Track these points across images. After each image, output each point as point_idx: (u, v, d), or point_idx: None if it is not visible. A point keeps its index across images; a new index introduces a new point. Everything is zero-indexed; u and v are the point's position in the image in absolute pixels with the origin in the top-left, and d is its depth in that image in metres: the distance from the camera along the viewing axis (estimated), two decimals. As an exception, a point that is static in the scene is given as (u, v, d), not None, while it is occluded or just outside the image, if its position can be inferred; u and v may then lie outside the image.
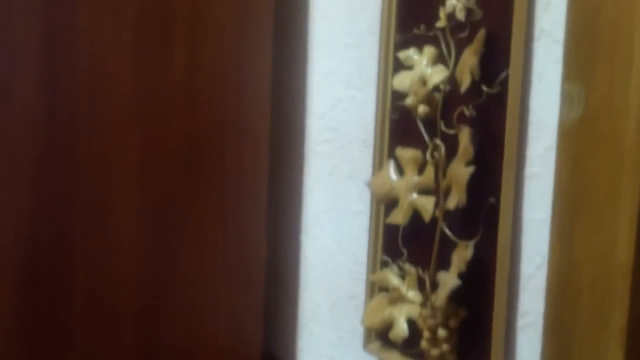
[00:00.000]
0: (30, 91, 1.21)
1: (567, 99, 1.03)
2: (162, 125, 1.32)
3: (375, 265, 1.29)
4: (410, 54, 1.22)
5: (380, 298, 1.27)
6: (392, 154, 1.25)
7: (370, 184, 1.26)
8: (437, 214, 1.17)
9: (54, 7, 1.22)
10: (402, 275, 1.25)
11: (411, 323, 1.22)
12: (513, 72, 1.10)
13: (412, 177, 1.21)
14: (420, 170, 1.20)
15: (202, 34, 1.34)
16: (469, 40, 1.15)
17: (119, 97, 1.28)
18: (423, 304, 1.20)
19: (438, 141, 1.18)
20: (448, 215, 1.15)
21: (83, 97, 1.25)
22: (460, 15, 1.15)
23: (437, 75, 1.18)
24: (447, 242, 1.16)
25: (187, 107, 1.34)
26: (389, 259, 1.27)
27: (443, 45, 1.18)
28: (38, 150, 1.22)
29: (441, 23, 1.17)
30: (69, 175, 1.25)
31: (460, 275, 1.13)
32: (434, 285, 1.18)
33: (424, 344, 1.19)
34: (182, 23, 1.32)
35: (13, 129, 1.20)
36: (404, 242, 1.25)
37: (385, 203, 1.26)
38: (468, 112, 1.15)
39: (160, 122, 1.32)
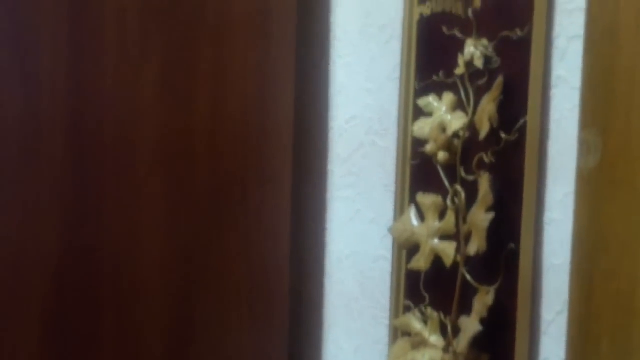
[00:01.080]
0: (56, 139, 1.23)
1: (584, 146, 1.04)
2: (186, 172, 1.34)
3: (398, 309, 1.30)
4: (429, 100, 1.24)
5: (403, 343, 1.27)
6: (413, 199, 1.26)
7: (392, 230, 1.27)
8: (458, 259, 1.17)
9: (80, 54, 1.24)
10: (425, 320, 1.25)
11: (434, 368, 1.23)
12: (531, 119, 1.12)
13: (433, 223, 1.22)
14: (441, 215, 1.21)
15: (225, 82, 1.36)
16: (487, 87, 1.16)
17: (144, 144, 1.31)
18: (445, 349, 1.20)
19: (458, 187, 1.19)
20: (469, 260, 1.16)
21: (109, 144, 1.28)
22: (479, 63, 1.16)
23: (456, 122, 1.19)
24: (468, 287, 1.17)
25: (211, 153, 1.36)
26: (411, 304, 1.28)
27: (462, 92, 1.20)
28: (65, 199, 1.24)
29: (460, 70, 1.19)
30: (96, 221, 1.27)
31: (482, 321, 1.13)
32: (456, 331, 1.18)
33: (447, 388, 1.20)
34: (205, 72, 1.34)
35: (40, 178, 1.23)
36: (425, 286, 1.26)
37: (406, 248, 1.27)
38: (487, 158, 1.16)
39: (185, 169, 1.34)
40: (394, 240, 1.28)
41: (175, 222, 1.34)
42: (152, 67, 1.30)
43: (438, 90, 1.24)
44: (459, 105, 1.21)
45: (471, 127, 1.17)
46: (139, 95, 1.30)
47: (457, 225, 1.18)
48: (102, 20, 1.27)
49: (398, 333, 1.30)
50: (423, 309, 1.26)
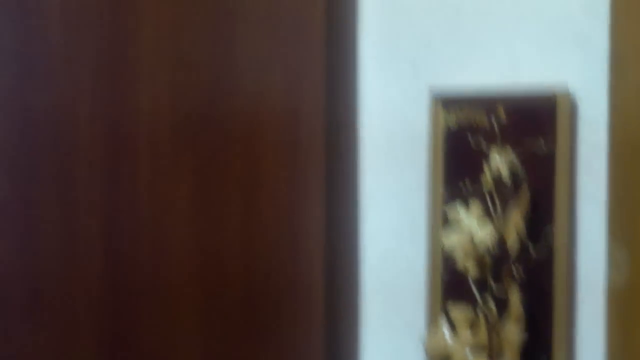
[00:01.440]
0: (93, 265, 1.25)
1: (612, 262, 1.02)
2: (220, 281, 1.35)
3: (433, 423, 1.28)
4: (457, 210, 1.23)
5: None
6: (444, 308, 1.25)
7: (424, 344, 1.25)
8: (492, 374, 1.16)
9: (115, 174, 1.27)
10: None
11: None
12: (559, 233, 1.11)
13: (466, 336, 1.20)
14: (473, 325, 1.20)
15: (257, 194, 1.37)
16: (514, 198, 1.16)
17: (179, 254, 1.32)
18: None
19: (489, 300, 1.18)
20: (502, 376, 1.15)
21: (144, 255, 1.29)
22: (505, 176, 1.16)
23: (485, 234, 1.19)
24: (502, 403, 1.15)
25: (244, 262, 1.37)
26: (446, 417, 1.26)
27: (489, 201, 1.19)
28: (101, 310, 1.26)
29: (487, 184, 1.18)
30: (133, 331, 1.28)
31: None
32: None
33: None
34: (237, 185, 1.35)
35: (77, 304, 1.24)
36: (460, 400, 1.24)
37: (439, 360, 1.25)
38: (517, 271, 1.15)
39: (219, 278, 1.35)
40: (427, 356, 1.27)
41: (210, 328, 1.34)
42: (184, 186, 1.32)
43: (465, 198, 1.23)
44: (486, 213, 1.20)
45: (499, 239, 1.17)
46: (171, 215, 1.32)
47: (489, 337, 1.17)
48: (136, 143, 1.29)
49: None
50: (458, 423, 1.24)
